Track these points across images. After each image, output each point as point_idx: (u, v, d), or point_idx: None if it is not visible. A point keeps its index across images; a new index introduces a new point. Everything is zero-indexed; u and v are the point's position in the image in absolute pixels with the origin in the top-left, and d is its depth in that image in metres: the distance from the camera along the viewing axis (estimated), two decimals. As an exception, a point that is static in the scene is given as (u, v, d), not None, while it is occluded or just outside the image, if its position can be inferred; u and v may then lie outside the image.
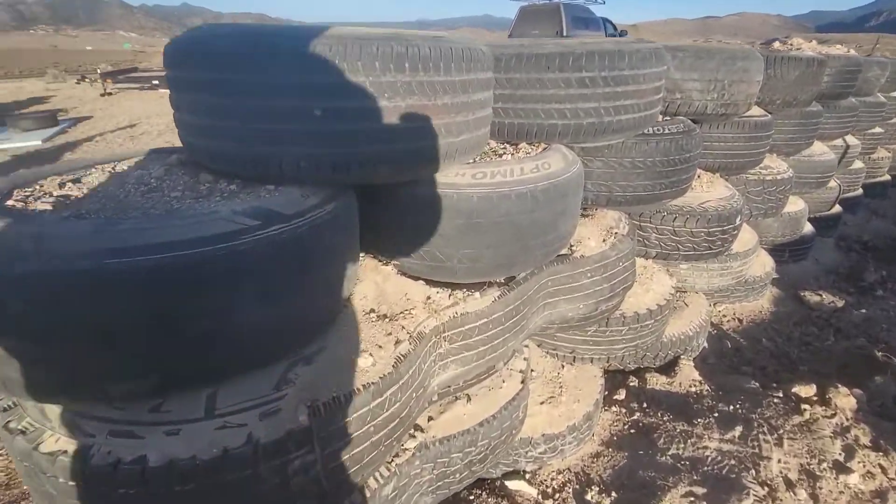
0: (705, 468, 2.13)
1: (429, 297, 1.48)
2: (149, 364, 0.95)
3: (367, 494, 1.32)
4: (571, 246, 1.87)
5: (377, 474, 1.38)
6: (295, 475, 1.05)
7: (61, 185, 1.14)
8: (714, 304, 3.59)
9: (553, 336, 2.25)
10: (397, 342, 1.28)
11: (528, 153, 1.67)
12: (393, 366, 1.22)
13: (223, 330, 0.97)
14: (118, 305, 0.87)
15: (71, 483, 0.93)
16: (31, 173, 1.21)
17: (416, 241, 1.44)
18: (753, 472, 2.11)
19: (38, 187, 1.13)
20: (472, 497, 2.03)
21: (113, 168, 1.31)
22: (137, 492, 0.91)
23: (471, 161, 1.46)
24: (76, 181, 1.18)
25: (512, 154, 1.66)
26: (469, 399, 1.66)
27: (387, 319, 1.34)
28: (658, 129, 2.14)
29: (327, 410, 1.06)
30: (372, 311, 1.35)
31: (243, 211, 1.00)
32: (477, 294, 1.55)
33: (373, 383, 1.15)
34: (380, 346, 1.25)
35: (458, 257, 1.46)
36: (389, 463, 1.43)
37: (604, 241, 1.94)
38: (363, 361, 1.18)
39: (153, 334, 0.91)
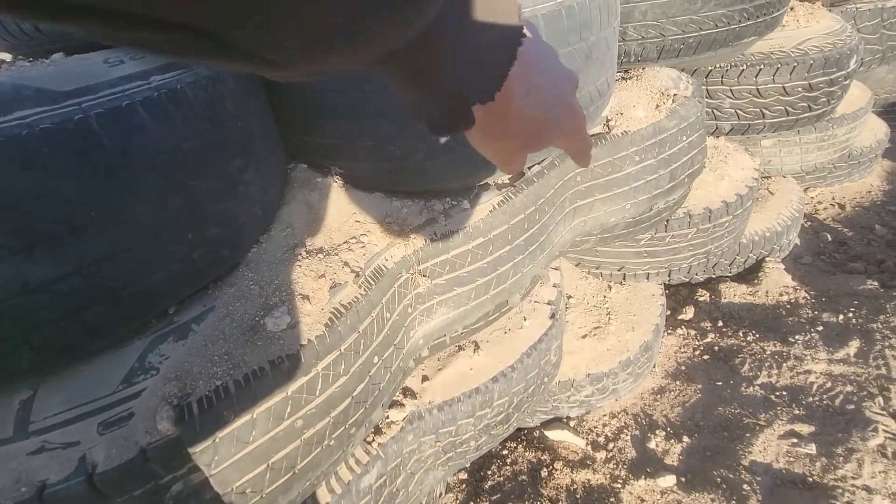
0: (811, 399, 1.63)
1: (389, 215, 1.00)
2: None
3: (337, 492, 0.96)
4: (608, 120, 1.29)
5: (351, 462, 1.02)
6: (179, 505, 0.68)
7: None
8: (806, 190, 2.85)
9: (594, 251, 1.74)
10: (334, 286, 0.84)
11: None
12: (326, 324, 0.79)
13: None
14: None
15: None
16: None
17: (352, 130, 0.94)
18: (881, 399, 1.58)
19: None
20: (505, 451, 1.68)
21: None
22: None
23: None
24: None
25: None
26: (477, 348, 1.23)
27: (321, 255, 0.89)
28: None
29: (208, 409, 0.66)
30: (298, 245, 0.90)
31: (-44, 88, 0.54)
32: (465, 202, 1.05)
33: (288, 356, 0.73)
34: (305, 297, 0.81)
35: (424, 149, 0.95)
36: (369, 444, 1.06)
37: (657, 108, 1.33)
38: (274, 323, 0.76)
39: None
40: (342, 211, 0.98)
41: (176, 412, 0.65)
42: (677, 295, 2.17)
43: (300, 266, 0.86)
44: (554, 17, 0.88)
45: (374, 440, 1.06)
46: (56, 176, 0.57)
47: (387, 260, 0.94)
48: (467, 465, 1.59)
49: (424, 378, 1.18)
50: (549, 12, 0.88)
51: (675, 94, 1.38)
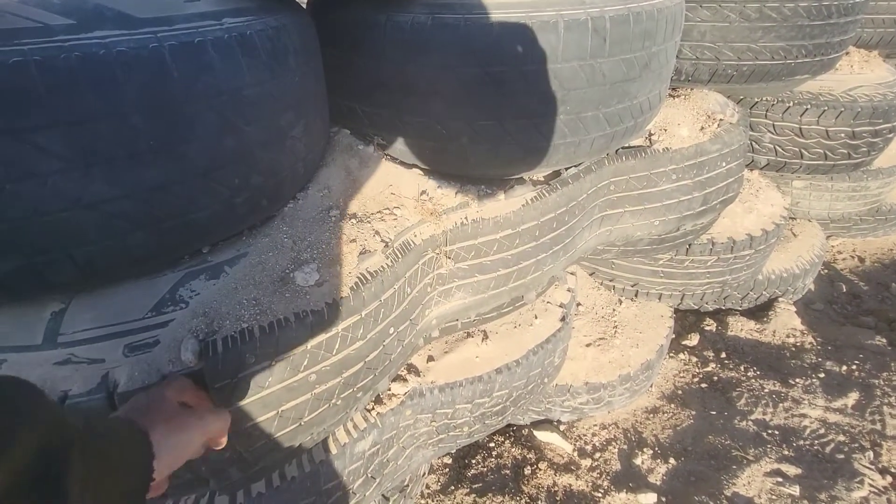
0: (801, 442, 1.64)
1: (424, 193, 1.01)
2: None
3: (332, 452, 0.98)
4: (651, 134, 1.28)
5: (349, 426, 1.04)
6: (188, 436, 0.70)
7: None
8: (828, 238, 2.82)
9: (610, 263, 1.74)
10: (364, 253, 0.85)
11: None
12: (352, 287, 0.80)
13: (42, 202, 0.58)
14: None
15: None
16: None
17: (402, 104, 0.95)
18: (871, 454, 1.58)
19: None
20: (491, 444, 1.70)
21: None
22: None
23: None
24: None
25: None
26: (486, 337, 1.24)
27: (354, 221, 0.90)
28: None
29: (231, 348, 0.68)
30: (333, 207, 0.91)
31: (43, 1, 0.55)
32: (500, 193, 1.06)
33: (313, 311, 0.74)
34: (335, 258, 0.82)
35: (470, 133, 0.95)
36: (369, 411, 1.08)
37: (701, 129, 1.33)
38: (304, 278, 0.77)
39: None
40: (379, 181, 0.99)
41: (201, 346, 0.67)
42: (684, 320, 2.17)
43: (333, 228, 0.88)
44: (621, 21, 0.88)
45: (373, 409, 1.07)
46: (124, 100, 0.58)
47: (416, 235, 0.95)
48: (454, 451, 1.61)
49: (430, 358, 1.20)
50: (616, 15, 0.88)
51: (721, 119, 1.38)
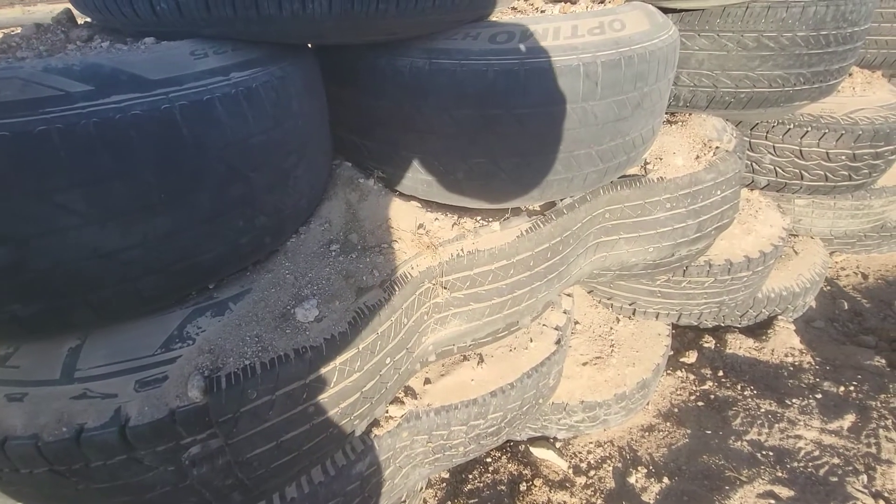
0: (796, 464, 1.65)
1: (421, 226, 1.05)
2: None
3: (331, 474, 1.02)
4: (647, 163, 1.31)
5: (347, 448, 1.08)
6: (194, 466, 0.75)
7: None
8: (831, 254, 2.82)
9: (609, 283, 1.76)
10: (362, 287, 0.89)
11: (591, 5, 1.08)
12: (349, 322, 0.84)
13: (63, 253, 0.62)
14: None
15: None
16: None
17: (401, 140, 0.98)
18: (865, 478, 1.60)
19: None
20: (488, 459, 1.73)
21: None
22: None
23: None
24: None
25: (564, 4, 1.08)
26: (481, 360, 1.28)
27: (353, 255, 0.94)
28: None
29: (234, 384, 0.72)
30: (333, 242, 0.95)
31: (65, 69, 0.60)
32: (495, 225, 1.09)
33: (311, 347, 0.78)
34: (334, 293, 0.86)
35: (465, 168, 0.99)
36: (366, 434, 1.12)
37: (697, 158, 1.35)
38: (304, 314, 0.81)
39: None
40: (378, 215, 1.03)
41: (206, 383, 0.71)
42: (683, 337, 2.18)
43: (333, 262, 0.92)
44: (612, 65, 0.91)
45: (371, 431, 1.11)
46: (139, 159, 0.62)
47: (413, 268, 0.98)
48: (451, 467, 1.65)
49: (427, 381, 1.24)
50: (608, 60, 0.91)
51: (717, 147, 1.40)
